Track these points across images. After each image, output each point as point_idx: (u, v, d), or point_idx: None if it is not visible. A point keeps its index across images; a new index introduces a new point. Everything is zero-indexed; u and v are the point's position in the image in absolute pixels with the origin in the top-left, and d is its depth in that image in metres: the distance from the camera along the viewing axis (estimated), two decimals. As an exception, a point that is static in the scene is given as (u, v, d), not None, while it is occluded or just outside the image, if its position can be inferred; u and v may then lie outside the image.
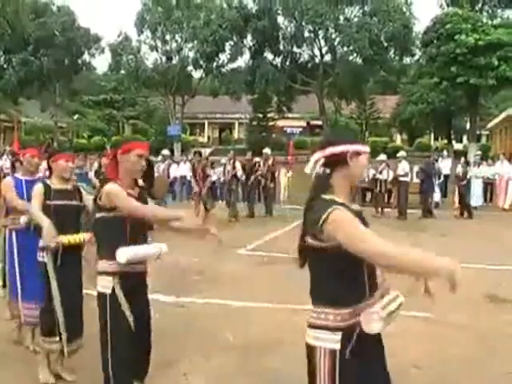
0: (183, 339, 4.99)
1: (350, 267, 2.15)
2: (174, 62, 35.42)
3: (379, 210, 15.22)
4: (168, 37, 34.91)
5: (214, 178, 16.01)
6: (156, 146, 25.66)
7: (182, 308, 6.06)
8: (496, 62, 24.62)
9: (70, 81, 39.57)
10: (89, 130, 44.66)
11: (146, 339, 3.21)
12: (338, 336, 2.13)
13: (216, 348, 4.80)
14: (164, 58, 35.67)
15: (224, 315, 5.83)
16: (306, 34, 31.30)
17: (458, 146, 38.84)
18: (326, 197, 2.20)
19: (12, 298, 4.60)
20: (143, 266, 3.20)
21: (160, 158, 17.04)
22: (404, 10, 29.46)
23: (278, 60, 32.84)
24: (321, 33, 31.06)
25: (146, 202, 3.24)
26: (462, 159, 18.27)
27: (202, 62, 33.65)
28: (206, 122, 51.66)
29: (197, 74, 36.64)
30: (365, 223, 2.21)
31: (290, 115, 39.88)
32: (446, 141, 39.06)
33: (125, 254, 3.03)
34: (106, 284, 3.07)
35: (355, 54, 30.50)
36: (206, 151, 30.14)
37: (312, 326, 2.22)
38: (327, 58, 32.39)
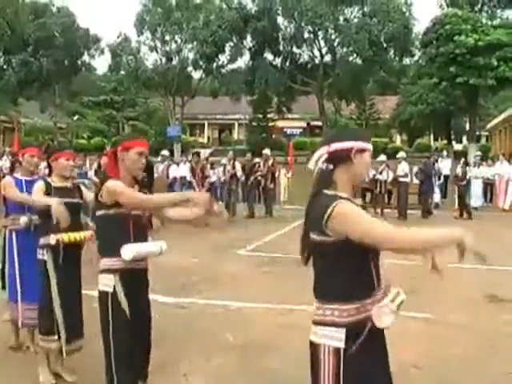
0: (183, 340, 4.99)
1: (356, 262, 2.15)
2: (173, 62, 35.43)
3: (379, 210, 15.22)
4: (168, 37, 34.93)
5: (213, 178, 16.02)
6: (156, 147, 25.63)
7: (181, 309, 6.06)
8: (495, 63, 24.66)
9: (69, 81, 39.63)
10: (89, 130, 44.67)
11: (146, 338, 3.21)
12: (343, 333, 2.12)
13: (216, 348, 4.80)
14: (164, 59, 35.68)
15: (224, 316, 5.83)
16: (306, 35, 31.30)
17: (457, 147, 38.87)
18: (329, 192, 2.19)
19: (11, 299, 4.58)
20: (145, 262, 3.19)
21: (159, 158, 17.03)
22: (404, 10, 29.45)
23: (278, 61, 32.85)
24: (320, 33, 31.05)
25: None
26: (462, 160, 18.28)
27: (201, 63, 33.66)
28: (206, 123, 51.67)
29: (196, 75, 36.71)
30: None
31: (289, 116, 39.92)
32: (445, 141, 39.10)
33: (130, 250, 3.02)
34: (107, 282, 3.06)
35: (355, 55, 30.50)
36: (205, 152, 30.20)
37: (317, 323, 2.20)
38: (327, 58, 32.40)
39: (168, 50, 35.37)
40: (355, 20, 30.23)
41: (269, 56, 32.76)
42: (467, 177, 16.74)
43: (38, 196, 3.93)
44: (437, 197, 17.59)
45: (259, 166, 15.61)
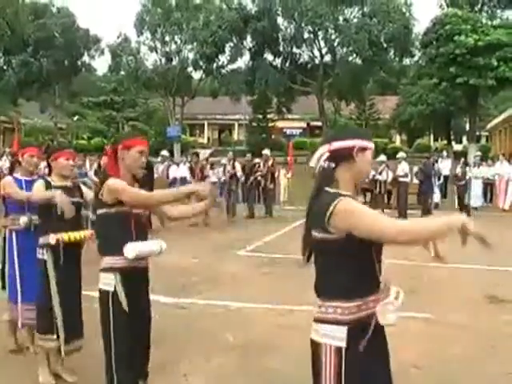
0: (183, 340, 4.99)
1: (359, 259, 2.14)
2: (173, 63, 35.43)
3: (379, 210, 15.21)
4: (167, 38, 34.92)
5: (213, 179, 16.01)
6: (156, 147, 25.62)
7: (181, 309, 6.06)
8: (495, 63, 24.65)
9: (69, 82, 39.64)
10: (89, 131, 44.66)
11: (145, 337, 3.20)
12: (345, 331, 2.11)
13: (216, 349, 4.80)
14: (164, 59, 35.68)
15: (224, 316, 5.83)
16: (306, 35, 31.29)
17: (457, 147, 38.90)
18: (331, 190, 2.19)
19: (11, 299, 4.58)
20: (145, 261, 3.19)
21: (159, 158, 17.02)
22: (403, 10, 29.45)
23: (278, 61, 32.85)
24: (320, 34, 31.05)
25: None
26: (462, 160, 18.29)
27: (201, 63, 33.65)
28: (206, 123, 51.69)
29: (196, 75, 36.70)
30: None
31: (289, 116, 39.92)
32: (445, 141, 39.11)
33: (133, 249, 3.02)
34: (108, 281, 3.05)
35: (355, 55, 30.50)
36: (205, 152, 30.19)
37: (319, 321, 2.19)
38: (327, 58, 32.40)
39: (168, 50, 35.38)
40: (355, 20, 30.23)
41: (269, 56, 32.79)
42: (466, 177, 16.75)
43: (38, 192, 3.93)
44: (437, 197, 17.59)
45: (259, 167, 15.63)
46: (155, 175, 13.91)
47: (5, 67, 37.37)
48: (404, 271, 7.23)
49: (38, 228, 4.13)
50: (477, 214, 15.72)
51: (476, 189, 17.59)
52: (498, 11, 29.49)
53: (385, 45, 29.86)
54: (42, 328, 3.97)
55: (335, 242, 2.11)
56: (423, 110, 34.26)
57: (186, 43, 34.33)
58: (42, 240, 3.91)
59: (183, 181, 17.39)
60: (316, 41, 31.59)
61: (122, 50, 34.86)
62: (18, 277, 4.47)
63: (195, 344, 4.90)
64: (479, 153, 23.44)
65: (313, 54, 32.61)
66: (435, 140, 45.30)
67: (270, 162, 15.72)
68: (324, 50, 32.04)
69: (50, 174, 4.10)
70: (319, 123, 36.08)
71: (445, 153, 22.30)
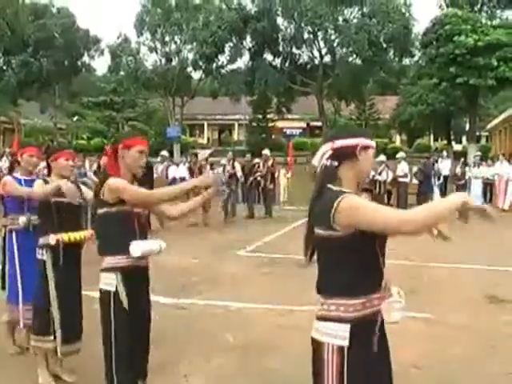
0: (183, 340, 4.99)
1: (363, 256, 2.14)
2: (173, 63, 35.44)
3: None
4: (167, 38, 34.94)
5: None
6: (156, 148, 25.62)
7: (181, 309, 6.06)
8: (495, 63, 24.67)
9: (69, 82, 39.65)
10: (88, 131, 44.68)
11: (145, 337, 3.20)
12: (347, 330, 2.10)
13: (216, 349, 4.80)
14: (163, 60, 35.69)
15: (224, 316, 5.82)
16: (306, 36, 31.29)
17: (457, 147, 38.92)
18: (334, 187, 2.19)
19: (10, 299, 4.57)
20: (146, 261, 3.19)
21: (159, 159, 17.04)
22: (403, 11, 29.45)
23: (278, 61, 32.85)
24: (320, 34, 31.06)
25: None
26: (462, 160, 18.30)
27: (201, 64, 33.66)
28: (206, 124, 51.70)
29: (196, 76, 36.73)
30: None
31: (289, 116, 39.93)
32: (445, 142, 39.12)
33: (139, 247, 3.02)
34: (109, 281, 3.05)
35: (354, 55, 30.50)
36: (205, 152, 30.17)
37: (321, 319, 2.18)
38: (327, 59, 32.40)
39: (168, 50, 35.40)
40: (355, 20, 30.23)
41: (268, 56, 32.79)
42: (466, 177, 16.76)
43: (41, 187, 3.90)
44: (437, 197, 17.59)
45: (259, 167, 15.62)
46: (155, 175, 13.98)
47: (5, 67, 37.38)
48: (404, 271, 7.23)
49: (38, 228, 4.12)
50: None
51: (476, 189, 17.59)
52: (498, 11, 29.52)
53: (384, 45, 29.87)
54: (38, 329, 3.95)
55: (340, 239, 2.10)
56: (423, 110, 34.27)
57: (185, 43, 34.36)
58: (41, 240, 3.90)
59: (183, 181, 17.39)
60: (316, 41, 31.60)
61: (121, 50, 34.87)
62: (19, 277, 4.45)
63: (195, 344, 4.89)
64: (479, 153, 23.43)
65: (312, 54, 32.65)
66: (435, 140, 45.32)
67: (269, 162, 15.72)
68: (324, 51, 32.07)
69: (49, 174, 4.09)
70: (319, 123, 36.09)
71: (445, 153, 22.28)
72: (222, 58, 33.08)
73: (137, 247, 3.02)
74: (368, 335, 2.14)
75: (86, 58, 39.41)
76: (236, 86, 32.01)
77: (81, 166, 12.37)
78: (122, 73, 36.65)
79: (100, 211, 3.10)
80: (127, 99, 45.84)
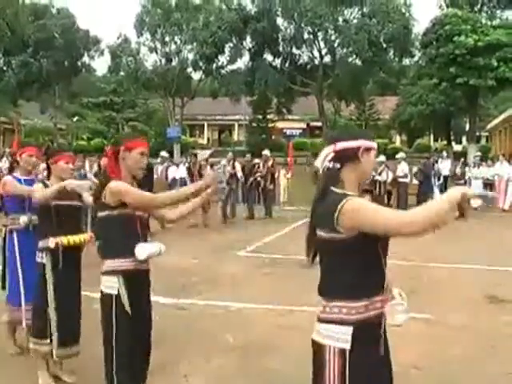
0: (183, 341, 4.99)
1: (366, 258, 2.14)
2: (173, 63, 35.43)
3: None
4: (167, 39, 34.93)
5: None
6: (156, 148, 25.62)
7: (181, 310, 6.06)
8: (495, 63, 24.66)
9: (69, 83, 39.62)
10: (88, 132, 44.69)
11: (146, 339, 3.20)
12: (350, 333, 2.10)
13: (216, 349, 4.80)
14: (163, 60, 35.68)
15: (224, 317, 5.82)
16: (306, 36, 31.28)
17: (457, 147, 38.91)
18: (338, 190, 2.19)
19: (10, 299, 4.57)
20: (147, 264, 3.18)
21: (159, 159, 17.03)
22: (403, 11, 29.44)
23: (278, 61, 32.83)
24: (320, 34, 31.06)
25: None
26: (461, 160, 18.30)
27: (201, 64, 33.65)
28: (206, 124, 51.70)
29: (196, 76, 36.71)
30: None
31: (289, 117, 39.91)
32: (445, 142, 39.12)
33: (145, 250, 3.03)
34: (111, 284, 3.04)
35: (354, 56, 30.49)
36: (205, 153, 30.16)
37: (323, 321, 2.17)
38: (326, 59, 32.39)
39: (168, 50, 35.38)
40: (355, 21, 30.23)
41: (268, 57, 32.78)
42: (466, 177, 16.76)
43: (43, 190, 3.88)
44: (437, 197, 17.59)
45: (259, 167, 15.62)
46: (154, 176, 13.98)
47: (5, 68, 37.36)
48: (404, 271, 7.23)
49: (37, 230, 4.12)
50: (476, 214, 15.72)
51: (476, 189, 17.54)
52: (498, 11, 29.51)
53: (384, 45, 29.86)
54: (35, 331, 3.96)
55: (343, 241, 2.10)
56: (423, 110, 34.26)
57: (185, 44, 34.35)
58: (41, 244, 3.90)
59: (182, 181, 17.43)
60: (316, 41, 31.59)
61: (121, 50, 34.86)
62: (20, 277, 4.44)
63: (195, 345, 4.89)
64: (479, 153, 23.45)
65: (312, 54, 32.64)
66: (435, 140, 45.31)
67: (269, 163, 15.72)
68: (324, 51, 32.05)
69: (49, 176, 4.09)
70: (319, 124, 36.08)
71: (445, 153, 22.27)
72: (222, 59, 33.13)
73: (142, 250, 3.02)
74: (371, 338, 2.14)
75: (85, 59, 39.43)
76: (236, 86, 32.01)
77: (81, 168, 12.37)
78: (121, 73, 36.65)
79: (101, 214, 3.09)
80: (127, 100, 45.85)
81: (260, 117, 41.39)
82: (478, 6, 29.44)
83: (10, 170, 4.74)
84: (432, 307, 5.98)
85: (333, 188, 2.20)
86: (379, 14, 28.74)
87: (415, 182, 16.61)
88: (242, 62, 33.81)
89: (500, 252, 9.46)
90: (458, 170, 16.86)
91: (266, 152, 16.11)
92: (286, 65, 32.48)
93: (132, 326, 3.02)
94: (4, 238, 4.61)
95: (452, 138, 38.92)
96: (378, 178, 15.56)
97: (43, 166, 4.52)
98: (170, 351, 4.56)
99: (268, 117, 41.04)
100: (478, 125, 33.19)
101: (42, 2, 38.30)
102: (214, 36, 30.38)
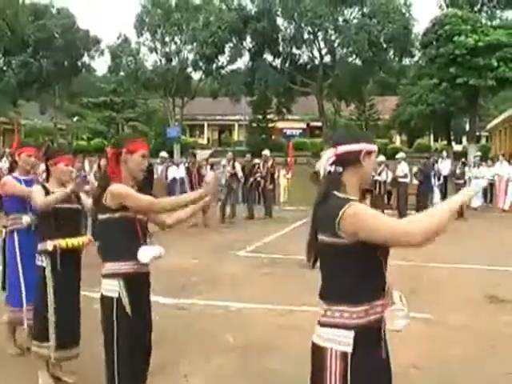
0: (183, 341, 4.99)
1: (367, 263, 2.13)
2: (173, 63, 35.42)
3: (379, 211, 15.17)
4: (167, 39, 34.93)
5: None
6: (156, 148, 25.63)
7: (181, 310, 6.06)
8: (495, 63, 24.68)
9: (69, 83, 39.63)
10: (88, 132, 44.71)
11: (147, 340, 3.19)
12: (351, 336, 2.09)
13: (216, 349, 4.80)
14: (163, 60, 35.68)
15: (224, 317, 5.83)
16: (306, 36, 31.32)
17: (457, 147, 38.90)
18: (340, 195, 2.18)
19: (9, 300, 4.56)
20: (147, 266, 3.17)
21: (159, 160, 17.04)
22: (403, 11, 29.48)
23: (278, 61, 32.87)
24: (320, 34, 31.09)
25: None
26: (461, 160, 18.30)
27: (201, 64, 33.67)
28: (206, 124, 51.69)
29: (196, 76, 36.71)
30: None
31: (289, 117, 39.92)
32: (445, 142, 39.11)
33: (148, 253, 3.03)
34: (112, 287, 3.03)
35: (354, 56, 30.53)
36: (205, 153, 30.18)
37: (324, 325, 2.17)
38: (326, 59, 32.42)
39: (168, 50, 35.38)
40: (355, 21, 30.26)
41: (268, 57, 32.82)
42: (466, 177, 16.75)
43: (41, 198, 3.88)
44: (437, 197, 17.58)
45: (259, 167, 15.61)
46: (154, 176, 13.97)
47: (5, 68, 37.35)
48: (403, 272, 7.22)
49: (37, 232, 4.13)
50: (477, 214, 15.74)
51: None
52: (498, 11, 29.54)
53: (384, 45, 29.90)
54: (35, 334, 3.97)
55: (345, 246, 2.09)
56: (423, 110, 34.25)
57: (185, 44, 34.35)
58: (40, 246, 3.90)
59: (182, 181, 17.45)
60: (316, 41, 31.62)
61: (121, 50, 34.86)
62: (21, 277, 4.44)
63: (195, 345, 4.89)
64: (479, 153, 23.43)
65: (312, 54, 32.67)
66: (435, 140, 45.30)
67: (269, 163, 15.72)
68: (324, 51, 32.09)
69: (48, 178, 4.08)
70: (319, 124, 36.10)
71: (445, 153, 22.24)
72: (222, 59, 33.17)
73: (145, 253, 3.02)
74: (372, 341, 2.14)
75: (85, 59, 39.43)
76: (236, 86, 32.01)
77: (81, 168, 12.34)
78: (122, 73, 36.63)
79: (102, 217, 3.08)
80: (127, 100, 45.87)
81: (260, 117, 41.40)
82: (478, 6, 29.46)
83: (10, 170, 4.74)
84: (432, 307, 5.98)
85: (335, 192, 2.18)
86: (379, 14, 28.77)
87: (415, 182, 16.59)
88: (242, 62, 33.90)
89: (500, 252, 9.46)
90: (458, 170, 16.85)
91: (266, 152, 16.11)
92: (286, 65, 32.51)
93: (133, 328, 3.02)
94: (4, 239, 4.61)
95: (452, 137, 38.91)
96: (377, 177, 15.56)
97: (43, 167, 4.51)
98: (170, 351, 4.56)
99: (268, 117, 41.05)
100: (478, 125, 33.23)
101: (41, 2, 38.39)
102: (214, 36, 30.40)
